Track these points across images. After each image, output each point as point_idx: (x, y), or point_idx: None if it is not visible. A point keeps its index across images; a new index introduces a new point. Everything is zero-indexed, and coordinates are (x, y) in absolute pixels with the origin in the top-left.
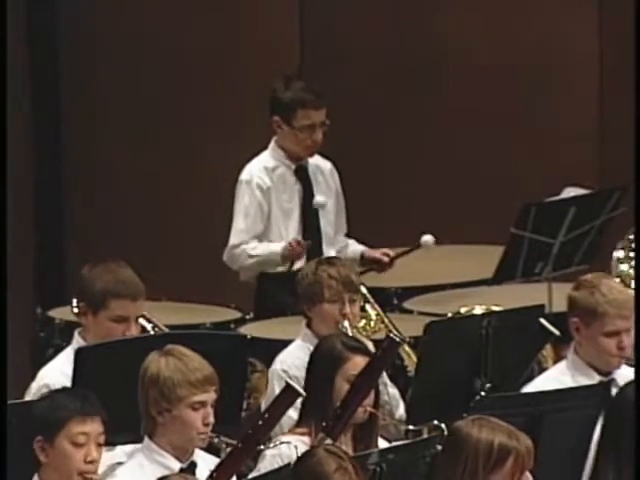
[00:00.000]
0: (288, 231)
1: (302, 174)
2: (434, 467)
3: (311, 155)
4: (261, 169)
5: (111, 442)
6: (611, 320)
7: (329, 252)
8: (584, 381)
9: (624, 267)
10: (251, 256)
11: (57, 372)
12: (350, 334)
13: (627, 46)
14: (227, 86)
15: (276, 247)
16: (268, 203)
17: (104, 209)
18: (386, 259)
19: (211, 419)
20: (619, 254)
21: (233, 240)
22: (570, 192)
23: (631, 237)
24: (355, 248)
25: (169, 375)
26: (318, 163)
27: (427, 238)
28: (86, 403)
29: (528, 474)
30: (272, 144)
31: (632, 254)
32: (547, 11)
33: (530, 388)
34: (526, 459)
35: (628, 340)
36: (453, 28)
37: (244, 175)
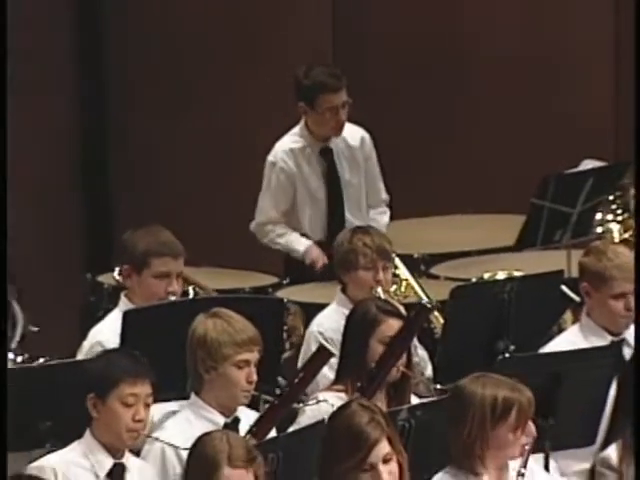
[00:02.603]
0: (314, 210)
1: (327, 155)
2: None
3: (337, 134)
4: (287, 151)
5: (156, 400)
6: (618, 283)
7: (353, 223)
8: (597, 342)
9: (611, 225)
10: (276, 242)
11: (108, 330)
12: (383, 298)
13: None
14: (261, 68)
15: (299, 246)
16: (292, 185)
17: (148, 181)
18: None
19: (254, 377)
20: (605, 217)
21: (258, 217)
22: (588, 164)
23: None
24: (383, 223)
25: (216, 336)
26: (346, 137)
27: None
28: (137, 366)
29: (530, 423)
30: (300, 125)
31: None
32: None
33: (546, 349)
34: (528, 410)
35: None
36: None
37: (270, 156)
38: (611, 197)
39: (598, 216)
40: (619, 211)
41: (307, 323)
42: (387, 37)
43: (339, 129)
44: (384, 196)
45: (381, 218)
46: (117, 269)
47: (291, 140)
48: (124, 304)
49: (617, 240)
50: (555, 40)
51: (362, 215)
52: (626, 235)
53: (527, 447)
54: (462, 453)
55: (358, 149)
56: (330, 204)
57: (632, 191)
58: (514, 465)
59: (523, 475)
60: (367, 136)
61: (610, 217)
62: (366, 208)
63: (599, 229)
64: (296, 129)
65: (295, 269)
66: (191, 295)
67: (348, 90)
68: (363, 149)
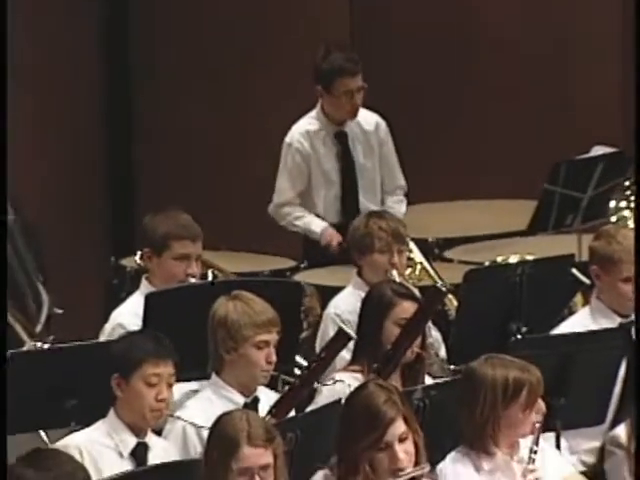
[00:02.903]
0: (328, 192)
1: (342, 139)
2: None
3: (352, 118)
4: (303, 133)
5: (178, 380)
6: (627, 267)
7: (366, 206)
8: (606, 323)
9: (625, 213)
10: (293, 225)
11: (129, 313)
12: (398, 281)
13: None
14: (278, 56)
15: (316, 227)
16: (308, 166)
17: (169, 167)
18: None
19: (273, 357)
20: (619, 204)
21: (276, 199)
22: (598, 150)
23: (627, 192)
24: (398, 209)
25: (236, 317)
26: (361, 122)
27: None
28: (160, 347)
29: (540, 401)
30: (317, 108)
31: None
32: None
33: (557, 331)
34: (538, 389)
35: None
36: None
37: (287, 138)
38: (626, 182)
39: (612, 204)
40: (632, 197)
41: (324, 305)
42: (403, 26)
43: (354, 113)
44: (401, 182)
45: (399, 207)
46: (139, 253)
47: (307, 122)
48: (145, 287)
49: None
50: (564, 27)
51: (376, 199)
52: None
53: (538, 425)
54: (474, 433)
55: (373, 134)
56: (344, 186)
57: None
58: (525, 443)
59: (535, 452)
60: (382, 122)
61: (624, 204)
62: (381, 193)
63: (613, 218)
64: (312, 112)
65: (313, 252)
66: (210, 278)
67: (363, 77)
68: (378, 134)
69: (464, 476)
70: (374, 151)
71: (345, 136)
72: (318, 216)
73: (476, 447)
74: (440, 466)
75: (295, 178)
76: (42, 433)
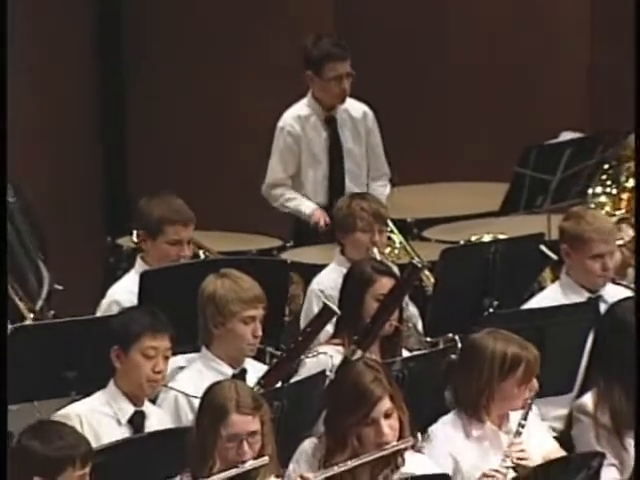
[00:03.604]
0: (317, 174)
1: (331, 124)
2: (452, 374)
3: (341, 102)
4: (295, 117)
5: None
6: (595, 245)
7: (352, 189)
8: (575, 298)
9: (602, 198)
10: (285, 206)
11: (124, 290)
12: (378, 259)
13: None
14: (262, 50)
15: (306, 209)
16: (299, 148)
17: (161, 152)
18: None
19: (259, 332)
20: (595, 190)
21: (269, 179)
22: (566, 136)
23: (603, 177)
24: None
25: (224, 293)
26: (350, 109)
27: None
28: (158, 321)
29: (534, 380)
30: (308, 95)
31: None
32: None
33: (528, 305)
34: (534, 367)
35: (611, 262)
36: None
37: (280, 122)
38: (605, 166)
39: (589, 190)
40: (609, 182)
41: (307, 284)
42: (381, 20)
43: (343, 97)
44: (386, 170)
45: (382, 190)
46: (134, 233)
47: (299, 108)
48: (140, 266)
49: (614, 221)
50: (534, 17)
51: (361, 183)
52: (617, 213)
53: (529, 401)
54: (469, 401)
55: (360, 121)
56: (331, 169)
57: (627, 164)
58: (515, 416)
59: (523, 427)
60: (370, 112)
61: (599, 189)
62: (366, 178)
63: (592, 205)
64: (304, 99)
65: (302, 232)
66: (201, 258)
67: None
68: (365, 122)
69: (454, 440)
70: (361, 138)
71: (334, 121)
72: (306, 197)
73: (468, 414)
74: (432, 428)
75: (287, 160)
76: (35, 404)
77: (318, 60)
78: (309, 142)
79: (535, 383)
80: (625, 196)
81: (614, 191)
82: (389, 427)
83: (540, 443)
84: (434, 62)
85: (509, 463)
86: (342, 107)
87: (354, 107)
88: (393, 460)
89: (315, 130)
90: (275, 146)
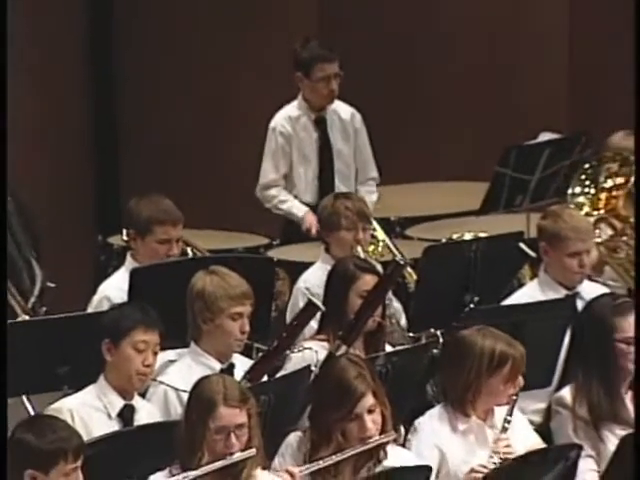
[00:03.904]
0: (307, 173)
1: (321, 124)
2: (440, 369)
3: (330, 102)
4: (286, 118)
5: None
6: (573, 243)
7: (341, 189)
8: (553, 295)
9: (581, 199)
10: (278, 208)
11: (115, 287)
12: (362, 257)
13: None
14: (254, 52)
15: (298, 212)
16: (290, 147)
17: (152, 154)
18: None
19: (247, 328)
20: (574, 190)
21: (262, 180)
22: (545, 136)
23: (582, 177)
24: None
25: (213, 290)
26: (339, 110)
27: None
28: (148, 317)
29: (520, 377)
30: (299, 97)
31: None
32: None
33: (508, 302)
34: (521, 365)
35: (588, 260)
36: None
37: (272, 123)
38: (586, 166)
39: (568, 190)
40: (587, 182)
41: (294, 282)
42: (366, 22)
43: (332, 97)
44: (374, 174)
45: (369, 197)
46: (125, 232)
47: (289, 109)
48: (130, 263)
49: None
50: (516, 20)
51: (350, 184)
52: (595, 213)
53: (514, 397)
54: (456, 395)
55: (349, 122)
56: (321, 169)
57: (607, 165)
58: (499, 412)
59: (509, 422)
60: (357, 114)
61: (578, 189)
62: (354, 180)
63: (571, 205)
64: (295, 101)
65: (292, 231)
66: (190, 255)
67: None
68: (353, 124)
69: (440, 432)
70: (350, 138)
71: (324, 122)
72: (299, 198)
73: (455, 408)
74: (419, 420)
75: (279, 160)
76: (24, 398)
77: (307, 61)
78: (300, 142)
79: (521, 380)
80: (603, 196)
81: (592, 191)
82: (372, 422)
83: (524, 437)
84: (418, 63)
85: (497, 459)
86: (331, 108)
87: (342, 109)
88: (376, 454)
89: (306, 130)
90: (267, 147)
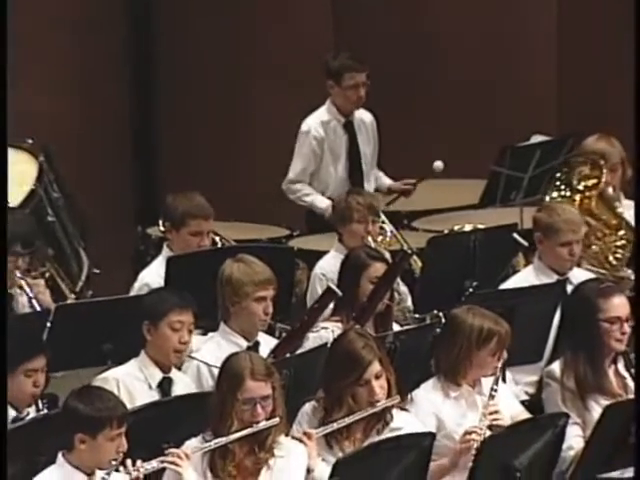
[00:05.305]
0: (337, 170)
1: (349, 127)
2: (435, 345)
3: (357, 108)
4: (318, 123)
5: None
6: (564, 233)
7: (369, 184)
8: (546, 279)
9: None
10: (302, 200)
11: (154, 273)
12: (372, 246)
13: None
14: (277, 61)
15: (321, 204)
16: (321, 149)
17: (188, 152)
18: (410, 187)
19: (270, 309)
20: (552, 195)
21: (290, 175)
22: (537, 138)
23: (557, 183)
24: (383, 182)
25: (239, 276)
26: (362, 117)
27: (437, 164)
28: (183, 299)
29: (505, 351)
30: (328, 102)
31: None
32: None
33: (505, 286)
34: (506, 340)
35: (578, 249)
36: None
37: (304, 127)
38: (557, 174)
39: (547, 198)
40: (562, 186)
41: (311, 269)
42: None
43: (358, 103)
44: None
45: (382, 180)
46: (161, 224)
47: (321, 114)
48: (166, 252)
49: None
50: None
51: (370, 181)
52: None
53: (498, 368)
54: (449, 366)
55: (370, 127)
56: (351, 168)
57: (579, 169)
58: (486, 382)
59: (496, 390)
60: (374, 121)
61: (555, 194)
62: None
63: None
64: (324, 106)
65: (314, 222)
66: (219, 245)
67: None
68: (372, 127)
69: (435, 400)
70: (371, 141)
71: (352, 125)
72: (324, 193)
73: (447, 378)
74: (415, 392)
75: (309, 161)
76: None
77: (338, 70)
78: (330, 143)
79: (505, 353)
80: (577, 197)
81: (568, 194)
82: (380, 387)
83: (508, 406)
84: (422, 69)
85: (486, 422)
86: (356, 113)
87: (364, 114)
88: (383, 416)
89: (336, 134)
90: (299, 147)
